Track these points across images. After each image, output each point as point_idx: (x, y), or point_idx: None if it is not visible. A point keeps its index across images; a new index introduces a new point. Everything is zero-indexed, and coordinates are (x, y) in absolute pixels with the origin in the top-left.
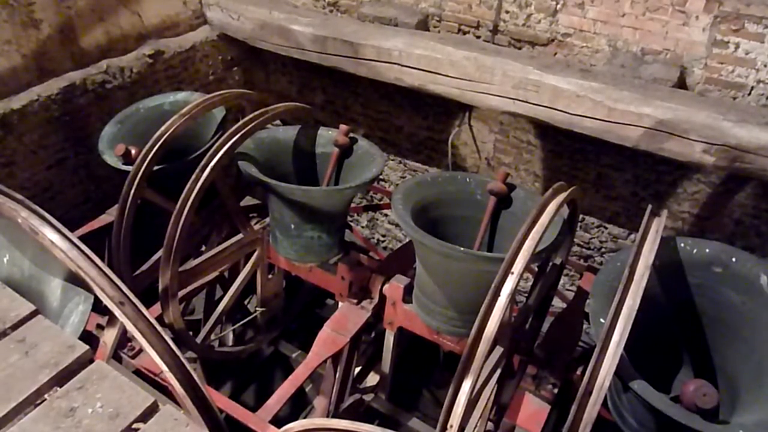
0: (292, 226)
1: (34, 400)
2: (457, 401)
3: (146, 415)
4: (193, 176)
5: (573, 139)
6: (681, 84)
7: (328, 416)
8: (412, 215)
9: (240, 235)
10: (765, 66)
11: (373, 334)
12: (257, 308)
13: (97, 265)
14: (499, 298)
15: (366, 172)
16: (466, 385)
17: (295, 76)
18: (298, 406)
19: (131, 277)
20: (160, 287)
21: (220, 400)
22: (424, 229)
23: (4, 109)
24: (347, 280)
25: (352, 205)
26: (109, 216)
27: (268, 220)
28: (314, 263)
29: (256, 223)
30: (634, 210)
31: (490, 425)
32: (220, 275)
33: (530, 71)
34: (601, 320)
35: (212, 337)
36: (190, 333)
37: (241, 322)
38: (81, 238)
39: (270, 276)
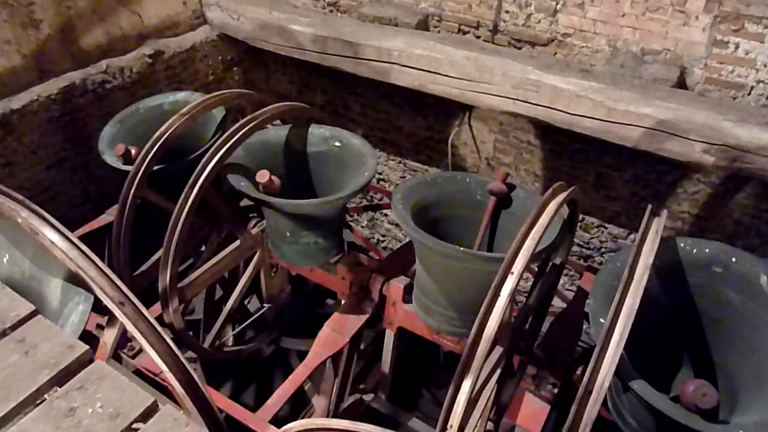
0: (288, 234)
1: (33, 400)
2: (457, 401)
3: (146, 415)
4: (193, 176)
5: (573, 139)
6: (681, 84)
7: (328, 416)
8: (412, 215)
9: (237, 242)
10: (765, 66)
11: (373, 334)
12: (264, 304)
13: (97, 265)
14: (499, 298)
15: (358, 175)
16: (466, 385)
17: (295, 76)
18: (298, 406)
19: (131, 277)
20: (160, 287)
21: (220, 400)
22: (424, 229)
23: (4, 109)
24: (347, 280)
25: (352, 205)
26: (109, 216)
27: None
28: (313, 266)
29: (255, 225)
30: (634, 210)
31: (490, 425)
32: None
33: (530, 71)
34: (601, 320)
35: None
36: (190, 333)
37: (249, 321)
38: (81, 238)
39: (273, 273)
